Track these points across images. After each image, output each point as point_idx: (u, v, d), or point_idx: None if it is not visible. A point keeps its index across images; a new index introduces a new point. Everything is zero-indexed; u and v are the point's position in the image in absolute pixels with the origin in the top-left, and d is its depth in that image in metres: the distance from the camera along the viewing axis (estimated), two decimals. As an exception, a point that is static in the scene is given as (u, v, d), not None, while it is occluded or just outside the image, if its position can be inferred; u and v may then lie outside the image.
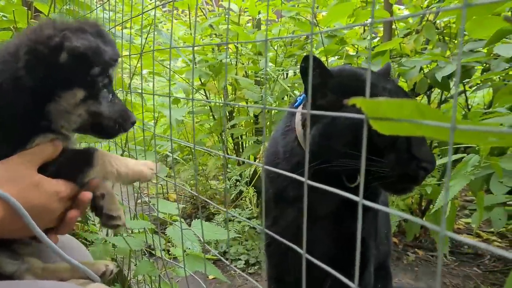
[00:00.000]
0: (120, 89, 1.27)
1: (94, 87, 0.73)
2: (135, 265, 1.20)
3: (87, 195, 0.75)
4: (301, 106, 1.16)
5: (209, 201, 0.82)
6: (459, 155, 1.74)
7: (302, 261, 1.23)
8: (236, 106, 2.74)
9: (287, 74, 2.73)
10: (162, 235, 1.05)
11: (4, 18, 1.90)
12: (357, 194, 1.22)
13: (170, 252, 1.09)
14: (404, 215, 0.38)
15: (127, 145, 1.24)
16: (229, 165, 2.56)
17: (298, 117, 1.13)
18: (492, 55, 2.02)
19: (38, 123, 0.72)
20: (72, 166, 0.75)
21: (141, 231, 1.01)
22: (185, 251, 0.96)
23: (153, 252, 1.16)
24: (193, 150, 0.75)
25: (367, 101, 0.31)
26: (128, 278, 1.32)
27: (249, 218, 2.31)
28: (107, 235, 1.45)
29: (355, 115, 0.41)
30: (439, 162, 1.89)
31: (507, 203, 1.89)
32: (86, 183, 0.75)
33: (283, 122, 1.21)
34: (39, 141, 0.72)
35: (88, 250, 1.04)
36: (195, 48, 2.06)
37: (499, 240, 2.63)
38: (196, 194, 0.95)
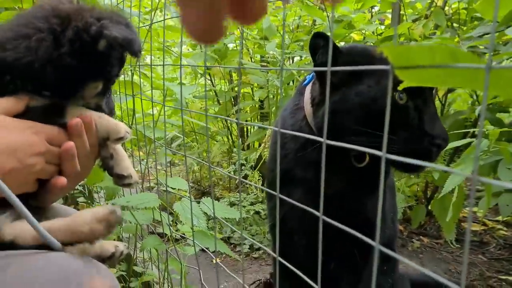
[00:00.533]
0: (129, 64, 1.25)
1: (110, 80, 0.73)
2: (141, 245, 1.18)
3: (69, 145, 0.72)
4: (309, 85, 1.14)
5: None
6: (467, 140, 1.72)
7: (308, 241, 1.22)
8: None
9: (293, 59, 2.70)
10: (170, 210, 1.03)
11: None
12: (365, 175, 1.21)
13: (177, 230, 1.07)
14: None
15: (134, 119, 1.23)
16: (234, 149, 2.55)
17: (307, 96, 1.12)
18: (502, 40, 1.99)
19: None
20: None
21: (148, 207, 1.00)
22: (192, 228, 0.95)
23: (160, 230, 1.14)
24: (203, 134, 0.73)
25: (396, 48, 0.29)
26: (134, 257, 1.31)
27: (253, 203, 2.31)
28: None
29: (381, 67, 0.39)
30: (454, 144, 1.87)
31: (515, 189, 1.87)
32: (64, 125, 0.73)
33: (291, 101, 1.19)
34: None
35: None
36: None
37: (505, 228, 2.62)
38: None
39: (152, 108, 0.99)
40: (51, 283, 0.58)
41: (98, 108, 0.75)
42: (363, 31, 2.68)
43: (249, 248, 2.21)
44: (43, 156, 0.70)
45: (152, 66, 1.07)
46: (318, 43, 0.99)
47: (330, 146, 1.01)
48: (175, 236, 1.06)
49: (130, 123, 1.27)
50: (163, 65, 0.94)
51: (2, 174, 0.64)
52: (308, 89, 1.11)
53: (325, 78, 1.02)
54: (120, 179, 0.80)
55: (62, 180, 0.72)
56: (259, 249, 2.20)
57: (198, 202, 1.01)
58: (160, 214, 1.02)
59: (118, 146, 0.80)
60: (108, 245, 0.76)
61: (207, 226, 0.95)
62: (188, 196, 0.91)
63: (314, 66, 1.05)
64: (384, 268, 1.34)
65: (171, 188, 0.99)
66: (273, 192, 0.63)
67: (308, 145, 1.10)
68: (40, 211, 0.82)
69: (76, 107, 0.77)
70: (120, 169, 0.79)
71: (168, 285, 1.18)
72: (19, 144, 0.67)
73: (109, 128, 0.78)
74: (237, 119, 0.76)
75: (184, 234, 1.02)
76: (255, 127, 2.64)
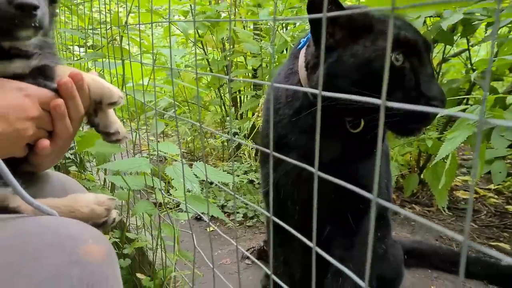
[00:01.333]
0: (116, 26, 1.21)
1: None
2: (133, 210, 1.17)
3: (58, 102, 0.69)
4: (304, 48, 1.12)
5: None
6: (462, 107, 1.71)
7: (302, 207, 1.21)
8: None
9: (287, 26, 2.65)
10: (163, 175, 1.02)
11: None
12: (359, 141, 1.18)
13: (169, 194, 1.06)
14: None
15: (124, 86, 1.20)
16: (228, 118, 2.53)
17: (301, 60, 1.09)
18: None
19: None
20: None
21: (140, 172, 0.99)
22: (184, 192, 0.93)
23: (154, 200, 1.14)
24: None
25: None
26: (127, 224, 1.31)
27: (247, 172, 2.30)
28: (104, 183, 1.43)
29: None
30: (440, 114, 1.86)
31: (507, 157, 1.88)
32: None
33: (285, 65, 1.16)
34: None
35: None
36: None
37: (496, 196, 2.64)
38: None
39: (142, 74, 0.96)
40: (44, 248, 0.57)
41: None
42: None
43: (242, 217, 2.22)
44: (35, 121, 0.67)
45: (141, 25, 1.04)
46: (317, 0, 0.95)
47: (325, 113, 0.99)
48: (168, 202, 1.05)
49: (120, 88, 1.24)
50: (151, 23, 0.90)
51: None
52: (302, 52, 1.09)
53: (319, 40, 0.99)
54: (108, 136, 0.79)
55: (45, 143, 0.70)
56: (252, 217, 2.21)
57: (191, 166, 0.99)
58: (152, 179, 1.01)
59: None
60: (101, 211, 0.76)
61: (201, 192, 0.94)
62: (181, 160, 0.89)
63: (311, 27, 1.02)
64: (377, 234, 1.35)
65: (163, 152, 0.97)
66: (267, 150, 0.62)
67: (302, 110, 1.08)
68: (37, 179, 0.81)
69: (64, 67, 0.74)
70: (105, 127, 0.78)
71: (162, 251, 1.18)
72: (11, 107, 0.64)
73: (103, 91, 0.76)
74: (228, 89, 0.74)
75: (177, 199, 1.01)
76: (249, 97, 2.61)
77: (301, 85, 1.08)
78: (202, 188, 1.05)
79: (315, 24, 0.97)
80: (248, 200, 2.29)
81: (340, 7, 0.96)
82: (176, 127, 0.94)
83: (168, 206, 1.04)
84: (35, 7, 0.61)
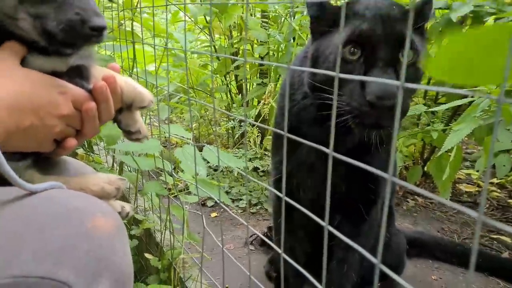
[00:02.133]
0: (129, 8, 1.21)
1: None
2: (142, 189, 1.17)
3: (91, 105, 0.70)
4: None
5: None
6: (467, 99, 1.71)
7: (313, 195, 1.22)
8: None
9: (294, 15, 2.64)
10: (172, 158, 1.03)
11: None
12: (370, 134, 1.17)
13: (179, 176, 1.07)
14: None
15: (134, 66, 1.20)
16: (234, 105, 2.53)
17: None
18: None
19: None
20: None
21: (149, 154, 1.00)
22: (195, 175, 0.95)
23: (161, 180, 1.15)
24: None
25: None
26: (135, 206, 1.32)
27: (252, 159, 2.31)
28: (112, 166, 1.44)
29: None
30: (443, 107, 1.87)
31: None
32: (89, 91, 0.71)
33: (303, 51, 1.17)
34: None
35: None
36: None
37: (498, 190, 2.65)
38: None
39: (155, 57, 0.96)
40: (51, 219, 0.56)
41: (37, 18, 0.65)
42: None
43: (246, 203, 2.23)
44: (65, 119, 0.68)
45: (154, 7, 1.04)
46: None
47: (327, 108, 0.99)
48: (176, 184, 1.06)
49: (131, 70, 1.25)
50: (166, 5, 0.91)
51: (19, 129, 0.61)
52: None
53: (312, 30, 1.01)
54: (129, 134, 0.81)
55: (73, 143, 0.71)
56: (256, 204, 2.23)
57: (200, 150, 1.00)
58: (162, 161, 1.02)
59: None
60: (115, 205, 0.77)
61: (209, 172, 0.95)
62: (192, 143, 0.90)
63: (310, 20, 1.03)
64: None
65: (175, 135, 0.98)
66: (281, 132, 0.62)
67: (307, 96, 1.08)
68: (50, 161, 0.82)
69: (99, 68, 0.75)
70: (127, 125, 0.79)
71: (170, 233, 1.19)
72: (44, 102, 0.64)
73: (135, 95, 0.77)
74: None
75: (188, 181, 1.01)
76: (254, 84, 2.62)
77: (311, 70, 1.08)
78: (209, 174, 1.06)
79: (310, 17, 0.99)
80: (252, 188, 2.31)
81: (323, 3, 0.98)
82: (189, 110, 0.94)
83: (177, 188, 1.05)
84: (105, 28, 0.64)
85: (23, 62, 0.65)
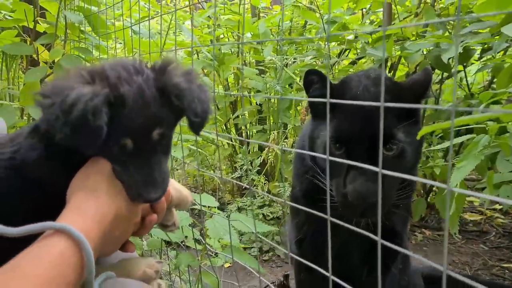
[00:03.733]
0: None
1: None
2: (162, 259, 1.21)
3: (154, 217, 0.79)
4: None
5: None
6: (465, 137, 1.77)
7: (339, 251, 1.25)
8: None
9: (287, 64, 2.74)
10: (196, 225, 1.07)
11: (8, 17, 1.89)
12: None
13: (201, 243, 1.11)
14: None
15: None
16: (240, 155, 2.58)
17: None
18: (493, 35, 2.05)
19: None
20: None
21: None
22: (219, 241, 0.98)
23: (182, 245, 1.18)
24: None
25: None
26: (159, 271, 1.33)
27: (261, 206, 2.34)
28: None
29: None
30: (443, 145, 1.93)
31: (513, 180, 1.93)
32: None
33: (309, 121, 1.22)
34: None
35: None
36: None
37: (502, 217, 2.69)
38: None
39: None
40: None
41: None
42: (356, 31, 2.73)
43: (258, 251, 2.25)
44: (136, 225, 0.77)
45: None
46: (312, 79, 1.03)
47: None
48: (203, 249, 1.09)
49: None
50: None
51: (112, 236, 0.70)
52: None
53: (313, 110, 1.09)
54: (164, 227, 0.88)
55: (133, 248, 0.81)
56: (268, 251, 2.24)
57: (228, 217, 1.04)
58: (192, 231, 1.06)
59: None
60: (154, 283, 0.83)
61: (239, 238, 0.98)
62: (219, 213, 0.94)
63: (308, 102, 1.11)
64: (400, 266, 1.39)
65: (203, 206, 1.03)
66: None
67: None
68: None
69: None
70: (165, 220, 0.86)
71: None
72: (133, 211, 0.73)
73: (181, 200, 0.86)
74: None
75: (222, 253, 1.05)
76: (255, 131, 2.68)
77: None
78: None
79: (309, 96, 1.06)
80: (262, 233, 2.33)
81: (325, 84, 1.04)
82: (197, 168, 0.98)
83: (202, 255, 1.08)
84: (158, 199, 0.74)
85: None
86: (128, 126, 0.64)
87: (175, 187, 0.84)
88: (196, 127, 0.72)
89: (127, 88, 0.64)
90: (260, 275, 0.90)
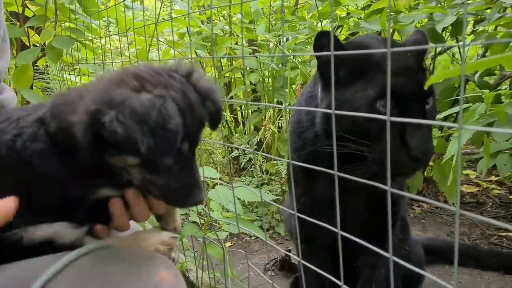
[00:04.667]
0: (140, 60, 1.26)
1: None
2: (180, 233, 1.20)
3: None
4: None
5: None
6: (458, 107, 1.78)
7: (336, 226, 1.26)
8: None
9: (285, 39, 2.72)
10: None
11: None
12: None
13: (205, 217, 1.10)
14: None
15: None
16: (236, 134, 2.57)
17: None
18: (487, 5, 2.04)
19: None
20: None
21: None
22: (222, 214, 0.98)
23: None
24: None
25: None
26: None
27: (258, 186, 2.34)
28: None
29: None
30: (446, 112, 1.93)
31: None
32: None
33: (308, 87, 1.20)
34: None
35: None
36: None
37: (498, 187, 2.72)
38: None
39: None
40: (124, 277, 0.64)
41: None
42: (348, 7, 2.71)
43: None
44: None
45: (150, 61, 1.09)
46: (323, 42, 0.99)
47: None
48: (207, 221, 1.09)
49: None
50: (159, 60, 0.96)
51: None
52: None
53: (325, 77, 1.04)
54: (164, 230, 0.86)
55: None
56: (268, 229, 2.25)
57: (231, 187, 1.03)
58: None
59: None
60: None
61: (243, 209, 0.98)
62: (221, 183, 0.94)
63: (318, 64, 1.06)
64: (400, 236, 1.40)
65: (205, 177, 1.02)
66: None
67: (319, 138, 1.10)
68: None
69: None
70: (166, 224, 0.86)
71: (204, 271, 1.21)
72: None
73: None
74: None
75: (226, 220, 1.05)
76: (251, 112, 2.67)
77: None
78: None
79: (320, 62, 1.03)
80: (261, 212, 2.34)
81: (342, 47, 1.01)
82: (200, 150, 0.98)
83: (206, 226, 1.08)
84: (201, 201, 0.74)
85: None
86: (186, 129, 0.63)
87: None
88: (216, 125, 0.76)
89: (174, 92, 0.64)
90: (266, 245, 0.89)
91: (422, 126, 0.90)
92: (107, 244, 0.70)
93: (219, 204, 0.98)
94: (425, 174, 2.62)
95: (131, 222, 0.78)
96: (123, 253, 0.69)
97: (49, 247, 0.68)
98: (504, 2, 1.70)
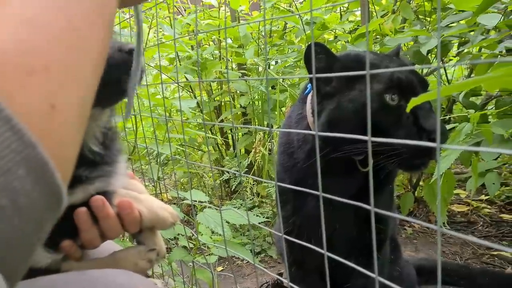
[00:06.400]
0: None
1: None
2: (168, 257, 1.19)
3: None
4: (311, 93, 1.17)
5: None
6: (451, 125, 1.80)
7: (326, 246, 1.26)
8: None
9: (275, 62, 2.76)
10: (189, 221, 1.06)
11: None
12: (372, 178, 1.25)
13: (194, 240, 1.10)
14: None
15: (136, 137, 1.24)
16: (227, 157, 2.58)
17: (308, 106, 1.15)
18: (470, 28, 2.09)
19: None
20: None
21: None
22: (211, 238, 0.98)
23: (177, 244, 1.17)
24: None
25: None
26: (150, 274, 1.33)
27: (250, 208, 2.34)
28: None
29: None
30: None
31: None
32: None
33: (295, 109, 1.22)
34: None
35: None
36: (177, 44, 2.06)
37: (489, 207, 2.73)
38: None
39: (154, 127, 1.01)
40: None
41: None
42: (335, 31, 2.76)
43: (250, 253, 2.24)
44: None
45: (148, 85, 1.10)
46: (315, 52, 1.01)
47: (336, 156, 1.03)
48: (196, 246, 1.08)
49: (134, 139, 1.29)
50: (161, 83, 0.96)
51: None
52: (309, 98, 1.15)
53: (320, 87, 1.05)
54: None
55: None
56: (260, 252, 2.24)
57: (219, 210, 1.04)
58: (184, 228, 1.05)
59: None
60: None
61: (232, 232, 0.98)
62: (209, 206, 0.94)
63: (310, 77, 1.08)
64: (391, 257, 1.40)
65: (195, 201, 1.02)
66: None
67: (313, 154, 1.12)
68: None
69: (122, 191, 0.77)
70: (147, 246, 0.80)
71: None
72: None
73: (157, 221, 0.78)
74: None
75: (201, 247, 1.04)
76: (241, 135, 2.68)
77: (310, 130, 1.13)
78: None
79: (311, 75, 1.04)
80: (253, 236, 2.32)
81: (333, 56, 1.04)
82: (189, 174, 0.98)
83: (195, 251, 1.07)
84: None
85: None
86: None
87: (150, 207, 0.77)
88: None
89: None
90: (257, 269, 0.88)
91: (431, 111, 0.95)
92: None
93: (207, 227, 0.98)
94: (416, 194, 2.63)
95: (110, 242, 0.76)
96: (102, 275, 0.64)
97: None
98: (486, 25, 1.74)
